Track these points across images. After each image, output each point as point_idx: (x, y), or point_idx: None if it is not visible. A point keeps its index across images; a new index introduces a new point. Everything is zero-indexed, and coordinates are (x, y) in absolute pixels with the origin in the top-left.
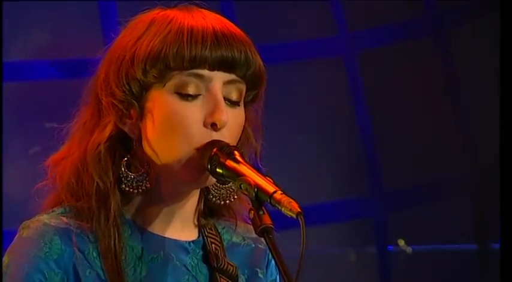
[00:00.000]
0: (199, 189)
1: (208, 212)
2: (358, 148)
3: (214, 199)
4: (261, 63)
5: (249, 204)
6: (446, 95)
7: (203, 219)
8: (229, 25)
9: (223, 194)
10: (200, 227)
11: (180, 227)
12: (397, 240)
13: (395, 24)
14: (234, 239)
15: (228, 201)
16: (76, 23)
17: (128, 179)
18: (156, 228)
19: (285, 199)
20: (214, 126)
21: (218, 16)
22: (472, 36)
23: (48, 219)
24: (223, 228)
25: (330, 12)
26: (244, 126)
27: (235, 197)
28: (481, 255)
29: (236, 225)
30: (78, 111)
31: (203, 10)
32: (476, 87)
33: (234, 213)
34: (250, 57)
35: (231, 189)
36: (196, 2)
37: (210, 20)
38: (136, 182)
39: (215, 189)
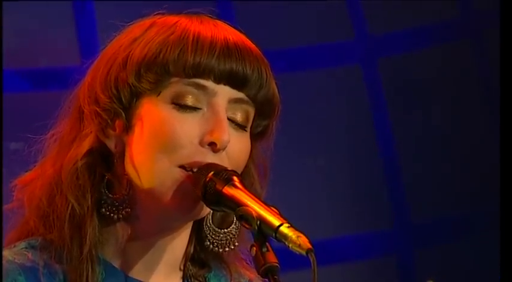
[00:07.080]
0: (190, 228)
1: (199, 262)
2: (378, 171)
3: (211, 246)
4: (276, 89)
5: (244, 251)
6: (484, 108)
7: (191, 266)
8: (245, 39)
9: (222, 240)
10: (186, 272)
11: (165, 272)
12: None
13: (423, 26)
14: None
15: (227, 249)
16: (46, 25)
17: (108, 202)
18: (137, 272)
19: (292, 233)
20: (213, 146)
21: (234, 29)
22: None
23: (11, 255)
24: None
25: (343, 13)
26: (247, 164)
27: (236, 243)
28: None
29: (230, 271)
30: (53, 125)
31: (217, 20)
32: None
33: (226, 263)
34: (265, 77)
35: (231, 234)
36: (200, 8)
37: (223, 29)
38: (116, 206)
39: (213, 234)
